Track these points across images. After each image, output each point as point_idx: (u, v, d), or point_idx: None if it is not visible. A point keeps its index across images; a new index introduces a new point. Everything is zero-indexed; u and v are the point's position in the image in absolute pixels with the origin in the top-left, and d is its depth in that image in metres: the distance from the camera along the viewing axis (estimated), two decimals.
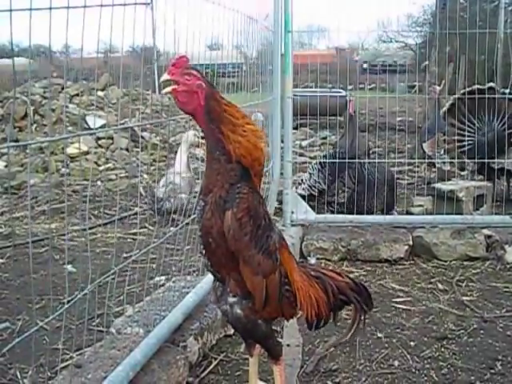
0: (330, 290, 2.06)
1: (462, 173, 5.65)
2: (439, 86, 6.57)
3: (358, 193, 4.57)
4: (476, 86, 5.20)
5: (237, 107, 1.86)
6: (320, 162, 5.00)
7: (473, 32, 4.42)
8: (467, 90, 5.45)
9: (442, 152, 5.74)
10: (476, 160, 4.78)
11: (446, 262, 4.07)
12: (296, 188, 4.99)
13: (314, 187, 4.92)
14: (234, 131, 1.79)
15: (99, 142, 8.40)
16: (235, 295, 1.90)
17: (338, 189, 4.75)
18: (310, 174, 5.03)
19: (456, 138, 5.57)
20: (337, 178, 4.76)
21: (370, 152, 7.09)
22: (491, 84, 5.22)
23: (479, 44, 4.43)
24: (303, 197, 4.80)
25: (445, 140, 5.69)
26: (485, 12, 7.41)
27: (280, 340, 2.09)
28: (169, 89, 1.78)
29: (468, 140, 5.57)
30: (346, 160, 4.69)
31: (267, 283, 1.87)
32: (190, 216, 2.90)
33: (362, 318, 2.16)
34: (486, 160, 4.79)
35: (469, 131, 5.61)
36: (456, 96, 5.65)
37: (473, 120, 5.53)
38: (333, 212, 4.69)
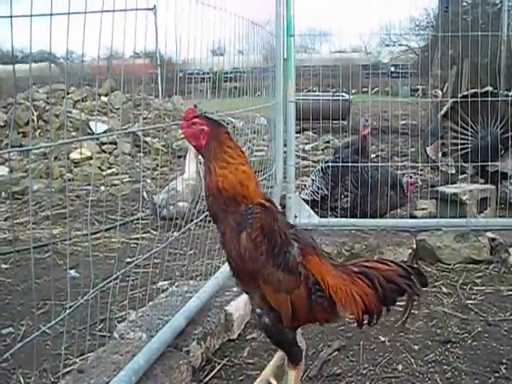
0: (376, 282, 1.99)
1: (461, 176, 5.62)
2: (442, 89, 6.56)
3: (361, 197, 4.55)
4: (473, 90, 5.18)
5: (240, 151, 1.98)
6: (322, 168, 4.99)
7: (476, 34, 4.40)
8: (465, 93, 5.44)
9: (440, 155, 5.73)
10: (478, 163, 4.77)
11: (449, 265, 4.05)
12: (299, 193, 4.98)
13: (317, 193, 4.91)
14: (223, 167, 1.92)
15: (102, 147, 8.43)
16: (261, 308, 1.95)
17: (340, 194, 4.74)
18: (313, 180, 5.02)
19: (454, 141, 5.55)
20: (339, 183, 4.75)
21: (373, 156, 7.08)
22: (489, 88, 5.20)
23: (482, 47, 4.41)
24: (306, 202, 4.79)
25: (443, 143, 5.68)
26: (487, 14, 7.41)
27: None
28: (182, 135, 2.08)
29: (467, 143, 5.55)
30: (349, 164, 4.68)
31: (292, 299, 1.90)
32: (192, 221, 2.90)
33: (416, 301, 2.11)
34: (481, 163, 4.78)
35: (467, 135, 5.59)
36: (454, 100, 5.63)
37: (471, 124, 5.51)
38: (336, 217, 4.69)
